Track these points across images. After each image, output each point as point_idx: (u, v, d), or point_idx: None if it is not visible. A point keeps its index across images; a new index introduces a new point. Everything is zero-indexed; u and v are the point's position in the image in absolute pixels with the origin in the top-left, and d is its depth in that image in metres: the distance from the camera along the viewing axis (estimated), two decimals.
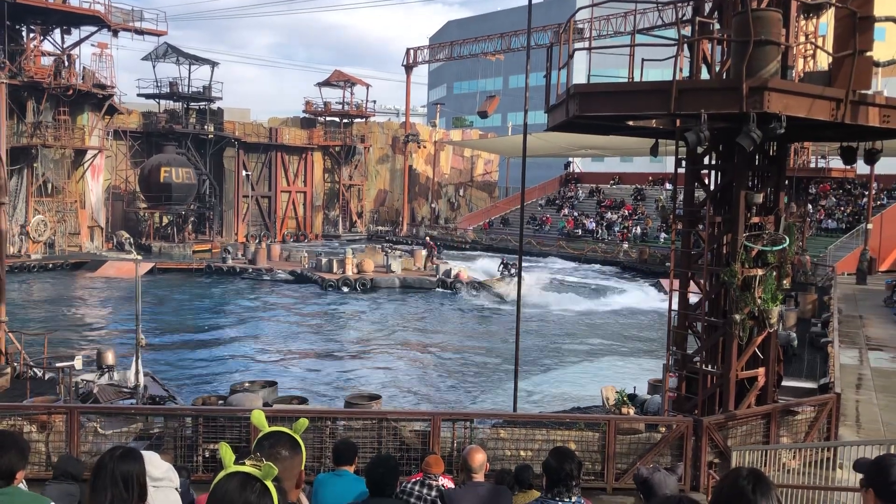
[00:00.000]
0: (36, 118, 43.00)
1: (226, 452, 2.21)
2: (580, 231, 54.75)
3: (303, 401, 14.52)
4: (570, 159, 65.85)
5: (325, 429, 10.20)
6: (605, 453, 10.21)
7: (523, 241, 13.91)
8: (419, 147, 66.06)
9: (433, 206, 68.45)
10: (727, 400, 10.81)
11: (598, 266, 47.36)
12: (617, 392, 13.48)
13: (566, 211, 59.30)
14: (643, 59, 10.71)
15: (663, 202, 53.38)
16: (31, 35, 43.89)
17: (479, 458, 5.28)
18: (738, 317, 10.44)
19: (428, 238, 54.13)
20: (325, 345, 26.73)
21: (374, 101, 67.63)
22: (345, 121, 64.70)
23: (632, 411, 12.79)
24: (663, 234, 47.68)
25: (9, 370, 16.82)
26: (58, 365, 16.26)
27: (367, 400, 13.83)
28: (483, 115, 57.99)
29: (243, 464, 2.19)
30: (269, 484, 2.16)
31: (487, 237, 57.64)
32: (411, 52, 63.29)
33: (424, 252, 42.93)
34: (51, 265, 41.01)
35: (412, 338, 27.91)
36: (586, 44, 38.05)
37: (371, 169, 66.94)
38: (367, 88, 64.62)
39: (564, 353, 25.50)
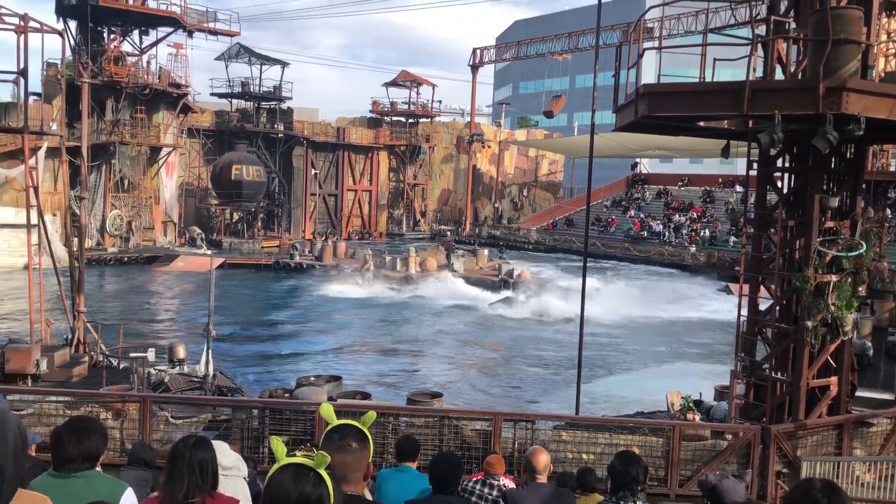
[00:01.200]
0: (114, 116, 44.58)
1: (277, 445, 2.23)
2: (646, 233, 53.90)
3: (366, 396, 14.70)
4: (638, 160, 64.88)
5: (388, 425, 10.30)
6: (669, 459, 10.05)
7: (588, 243, 13.78)
8: (483, 147, 66.04)
9: (496, 205, 68.36)
10: (797, 409, 10.51)
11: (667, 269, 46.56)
12: (682, 397, 13.25)
13: (632, 213, 58.44)
14: (715, 59, 10.50)
15: (733, 205, 52.12)
16: (112, 36, 45.51)
17: (543, 458, 5.26)
18: (810, 323, 10.14)
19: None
20: (389, 342, 26.98)
21: (440, 101, 67.97)
22: (410, 121, 65.18)
23: (697, 417, 12.55)
24: (733, 238, 46.59)
25: (86, 359, 17.51)
26: (132, 355, 16.86)
27: (429, 398, 13.92)
28: (549, 114, 57.62)
29: (295, 455, 2.21)
30: (323, 473, 2.16)
31: (551, 238, 57.25)
32: (478, 51, 63.32)
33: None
34: (126, 259, 42.47)
35: (473, 336, 27.94)
36: (656, 43, 37.44)
37: (435, 168, 67.24)
38: (433, 88, 65.01)
39: (628, 357, 25.17)
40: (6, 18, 17.37)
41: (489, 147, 67.11)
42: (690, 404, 12.89)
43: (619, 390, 20.98)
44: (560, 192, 75.29)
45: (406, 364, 24.01)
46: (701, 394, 14.75)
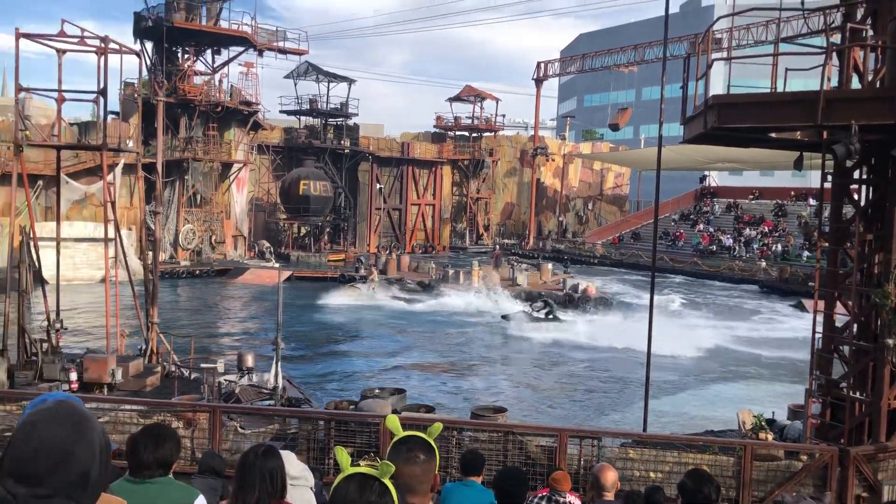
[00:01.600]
0: (188, 133, 46.02)
1: (342, 456, 2.24)
2: (716, 247, 52.75)
3: (430, 409, 14.72)
4: (706, 173, 63.66)
5: (452, 439, 10.29)
6: (741, 479, 9.76)
7: (656, 257, 13.55)
8: (547, 160, 65.78)
9: (561, 219, 67.88)
10: (877, 430, 10.10)
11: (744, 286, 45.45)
12: (754, 416, 12.87)
13: (701, 226, 57.33)
14: (787, 69, 10.24)
15: (807, 218, 50.63)
16: (186, 56, 47.05)
17: (611, 476, 5.18)
18: (890, 341, 9.74)
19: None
20: (452, 355, 26.99)
21: (504, 115, 68.06)
22: (474, 135, 65.41)
23: (770, 437, 12.17)
24: (806, 252, 45.24)
25: (159, 369, 18.03)
26: (202, 366, 17.29)
27: (493, 412, 13.86)
28: (614, 127, 57.12)
29: (359, 465, 2.22)
30: (388, 482, 2.16)
31: (617, 252, 56.54)
32: (542, 65, 63.25)
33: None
34: (198, 272, 43.65)
35: (536, 351, 27.70)
36: (725, 54, 36.75)
37: (499, 182, 67.24)
38: (497, 102, 65.12)
39: (697, 374, 24.61)
40: (88, 41, 18.14)
41: (553, 160, 66.81)
42: (763, 423, 12.50)
43: (688, 408, 20.52)
44: (626, 205, 74.38)
45: (466, 378, 23.97)
46: (774, 412, 14.32)
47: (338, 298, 36.21)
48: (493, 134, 66.27)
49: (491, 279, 39.46)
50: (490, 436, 10.42)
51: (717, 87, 10.67)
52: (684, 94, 11.04)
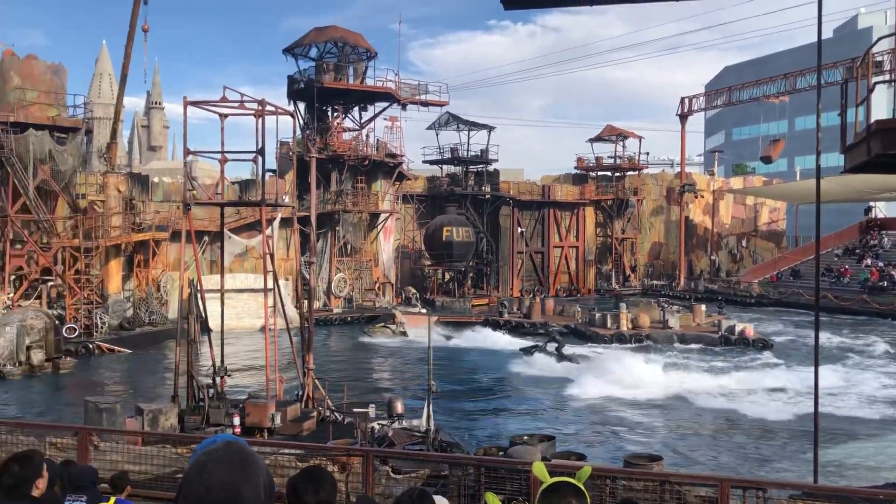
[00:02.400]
0: (338, 187, 48.23)
1: (493, 501, 2.24)
2: (886, 283, 48.85)
3: (581, 457, 14.38)
4: (872, 204, 59.47)
5: (605, 487, 9.98)
6: None
7: (819, 296, 12.71)
8: (696, 197, 63.63)
9: (713, 258, 65.19)
10: None
11: None
12: None
13: (869, 261, 53.38)
14: None
15: None
16: (335, 114, 49.58)
17: None
18: None
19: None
20: (605, 401, 26.25)
21: (647, 153, 66.75)
22: (616, 174, 64.47)
23: None
24: None
25: (315, 414, 18.70)
26: (355, 410, 17.79)
27: (647, 460, 13.35)
28: (766, 160, 54.69)
29: None
30: None
31: (775, 291, 53.56)
32: (685, 100, 61.76)
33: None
34: (349, 318, 45.23)
35: (696, 395, 26.48)
36: (887, 76, 34.52)
37: (644, 221, 65.65)
38: (640, 141, 64.00)
39: (873, 422, 22.69)
40: (247, 105, 19.52)
41: (702, 197, 64.53)
42: None
43: (863, 459, 18.91)
44: (783, 241, 70.46)
45: (614, 423, 23.25)
46: None
47: (373, 338, 39.18)
48: (636, 172, 65.03)
49: (639, 321, 38.36)
50: (645, 485, 10.02)
51: (879, 111, 10.02)
52: (843, 122, 10.42)
